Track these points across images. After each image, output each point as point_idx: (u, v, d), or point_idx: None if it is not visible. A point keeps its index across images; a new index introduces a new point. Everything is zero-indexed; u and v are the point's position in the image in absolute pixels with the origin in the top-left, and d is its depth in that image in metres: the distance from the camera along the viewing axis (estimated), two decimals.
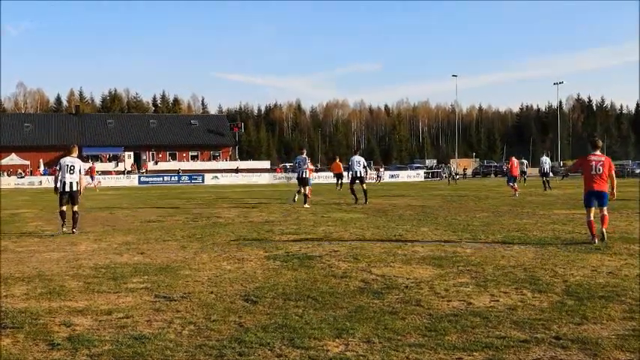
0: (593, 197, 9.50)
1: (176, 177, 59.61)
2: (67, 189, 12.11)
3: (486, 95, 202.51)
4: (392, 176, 61.17)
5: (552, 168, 37.17)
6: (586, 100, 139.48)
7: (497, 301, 5.59)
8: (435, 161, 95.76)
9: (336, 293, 6.00)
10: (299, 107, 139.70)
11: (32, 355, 4.17)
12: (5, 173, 57.92)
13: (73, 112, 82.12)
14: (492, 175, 68.52)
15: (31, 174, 59.35)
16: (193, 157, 74.66)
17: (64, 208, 12.17)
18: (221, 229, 12.42)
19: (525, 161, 39.22)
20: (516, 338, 4.39)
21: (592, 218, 9.43)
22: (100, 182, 46.01)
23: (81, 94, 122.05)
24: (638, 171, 57.77)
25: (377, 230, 11.78)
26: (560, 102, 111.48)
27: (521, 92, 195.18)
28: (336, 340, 4.43)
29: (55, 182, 12.44)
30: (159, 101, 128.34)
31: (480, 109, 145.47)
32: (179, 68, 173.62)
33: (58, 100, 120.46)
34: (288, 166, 70.10)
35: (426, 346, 4.23)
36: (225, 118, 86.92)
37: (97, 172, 49.00)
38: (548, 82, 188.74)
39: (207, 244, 10.03)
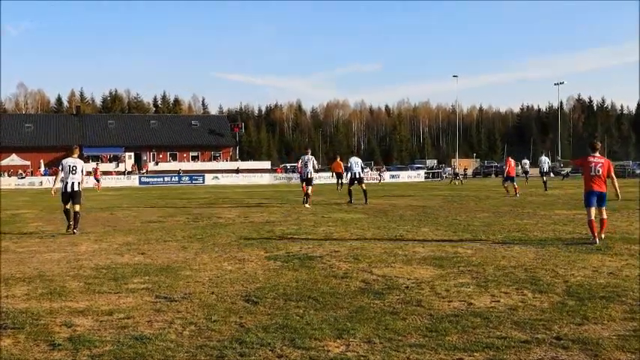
0: (593, 197, 9.58)
1: (177, 177, 59.64)
2: (69, 189, 12.18)
3: (487, 95, 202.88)
4: (392, 176, 61.20)
5: (553, 168, 37.18)
6: (586, 100, 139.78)
7: (498, 301, 5.60)
8: (435, 161, 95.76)
9: (336, 294, 6.00)
10: (299, 107, 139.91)
11: (33, 356, 4.18)
12: (6, 174, 57.92)
13: (74, 112, 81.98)
14: (493, 176, 68.51)
15: (32, 174, 59.38)
16: (194, 158, 74.65)
17: (68, 206, 12.24)
18: (222, 229, 12.42)
19: (528, 161, 39.30)
20: (517, 339, 4.39)
21: (593, 217, 9.46)
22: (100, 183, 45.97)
23: (81, 94, 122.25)
24: (638, 171, 57.72)
25: (377, 230, 11.78)
26: (561, 102, 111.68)
27: (521, 92, 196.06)
28: (337, 340, 4.43)
29: (55, 182, 12.48)
30: (159, 102, 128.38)
31: (481, 109, 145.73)
32: (179, 68, 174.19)
33: (59, 100, 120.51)
34: (289, 167, 70.12)
35: (427, 347, 4.23)
36: (225, 119, 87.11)
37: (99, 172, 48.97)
38: (549, 82, 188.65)
39: (207, 244, 10.04)
